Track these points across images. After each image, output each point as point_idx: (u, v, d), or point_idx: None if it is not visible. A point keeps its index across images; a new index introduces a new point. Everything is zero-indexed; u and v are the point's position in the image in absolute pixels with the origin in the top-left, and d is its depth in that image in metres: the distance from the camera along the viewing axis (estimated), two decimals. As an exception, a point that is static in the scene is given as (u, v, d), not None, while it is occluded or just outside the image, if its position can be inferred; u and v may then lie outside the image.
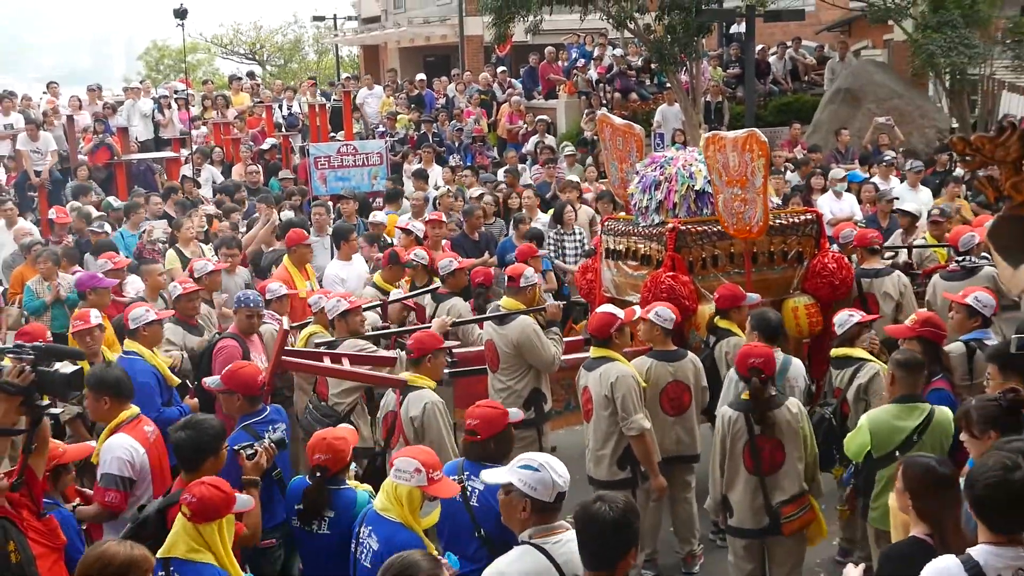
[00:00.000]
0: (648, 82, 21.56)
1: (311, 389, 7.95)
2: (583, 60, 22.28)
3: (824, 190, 13.93)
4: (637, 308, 7.58)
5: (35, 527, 4.68)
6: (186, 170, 17.61)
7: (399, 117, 21.16)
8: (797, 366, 7.26)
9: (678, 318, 7.40)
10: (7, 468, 4.83)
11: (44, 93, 22.36)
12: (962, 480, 4.16)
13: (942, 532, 4.23)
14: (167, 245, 11.58)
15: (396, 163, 17.90)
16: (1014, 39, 18.66)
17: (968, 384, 6.88)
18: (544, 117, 20.11)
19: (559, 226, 12.22)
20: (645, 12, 19.16)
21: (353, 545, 4.95)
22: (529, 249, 10.07)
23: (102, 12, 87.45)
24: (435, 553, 4.36)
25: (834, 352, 7.27)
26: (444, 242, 11.19)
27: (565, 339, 8.37)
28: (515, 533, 4.32)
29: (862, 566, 4.23)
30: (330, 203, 13.71)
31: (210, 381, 6.51)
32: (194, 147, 18.94)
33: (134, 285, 9.71)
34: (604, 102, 20.42)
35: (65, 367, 4.53)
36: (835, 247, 9.40)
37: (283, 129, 20.83)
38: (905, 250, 10.39)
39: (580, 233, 12.20)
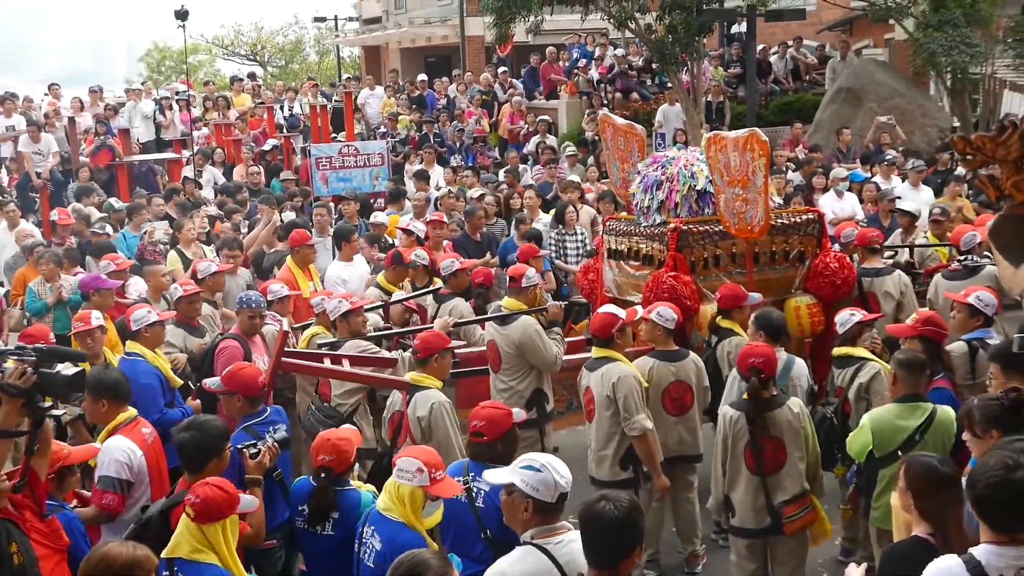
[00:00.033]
0: (649, 82, 21.57)
1: (313, 390, 7.95)
2: (584, 60, 22.28)
3: (826, 189, 13.93)
4: (639, 308, 7.58)
5: (38, 528, 4.68)
6: (187, 171, 17.63)
7: (400, 118, 21.16)
8: (800, 366, 7.26)
9: (680, 318, 7.39)
10: (9, 470, 4.83)
11: (45, 95, 22.38)
12: (964, 479, 4.16)
13: (944, 531, 4.23)
14: (168, 246, 11.59)
15: (397, 164, 17.91)
16: (1015, 38, 18.65)
17: (971, 383, 6.88)
18: (545, 117, 20.12)
19: (561, 226, 12.21)
20: (646, 12, 19.18)
21: (356, 545, 4.95)
22: (531, 249, 10.07)
23: (103, 14, 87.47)
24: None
25: (835, 351, 7.27)
26: (445, 243, 11.19)
27: (567, 339, 8.37)
28: (517, 534, 4.32)
29: (864, 565, 4.23)
30: (331, 204, 13.72)
31: (210, 382, 6.51)
32: (195, 148, 18.95)
33: (137, 287, 9.71)
34: (605, 102, 20.42)
35: (67, 369, 4.53)
36: (836, 246, 9.39)
37: (284, 130, 20.84)
38: (907, 249, 10.38)
39: (582, 233, 12.20)
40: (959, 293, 7.44)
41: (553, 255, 11.94)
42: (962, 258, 9.00)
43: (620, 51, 22.16)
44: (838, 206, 13.31)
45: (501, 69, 23.25)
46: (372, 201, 14.82)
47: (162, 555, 4.52)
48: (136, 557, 4.09)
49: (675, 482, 7.24)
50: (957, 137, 6.88)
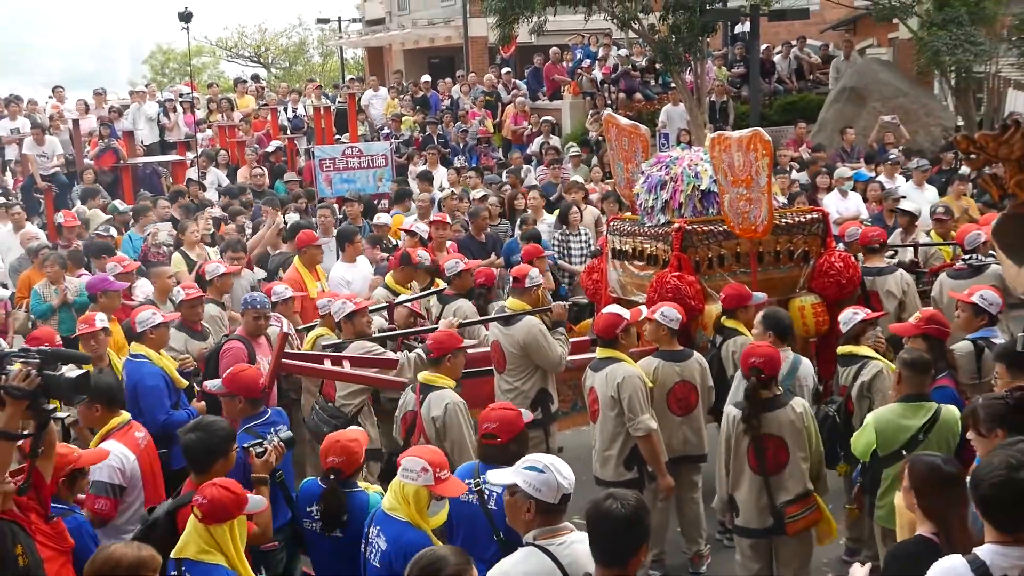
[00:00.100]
0: (653, 82, 21.58)
1: (317, 391, 7.96)
2: (587, 61, 22.30)
3: (830, 189, 13.91)
4: (643, 308, 7.58)
5: (43, 530, 4.69)
6: (191, 173, 17.67)
7: (404, 119, 21.18)
8: (807, 366, 7.28)
9: (684, 318, 7.39)
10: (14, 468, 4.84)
11: (50, 97, 22.42)
12: (968, 479, 4.15)
13: (948, 531, 4.22)
14: (172, 248, 11.61)
15: (401, 165, 17.92)
16: (1020, 36, 18.59)
17: (976, 383, 6.87)
18: (549, 118, 20.13)
19: (564, 227, 12.22)
20: (649, 12, 19.18)
21: (363, 545, 4.96)
22: (535, 250, 10.06)
23: (107, 16, 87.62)
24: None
25: (839, 350, 7.28)
26: (449, 243, 11.19)
27: (571, 340, 8.37)
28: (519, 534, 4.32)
29: (868, 565, 4.22)
30: (335, 205, 13.73)
31: (211, 384, 6.52)
32: (199, 150, 19.00)
33: (143, 289, 9.73)
34: (609, 102, 20.44)
35: (71, 371, 4.54)
36: (841, 246, 9.38)
37: (288, 131, 20.87)
38: (911, 248, 10.37)
39: (585, 234, 12.20)
40: (963, 292, 7.43)
41: (557, 255, 11.94)
42: (967, 257, 8.99)
43: (623, 51, 22.18)
44: (842, 206, 13.29)
45: (505, 70, 23.26)
46: (376, 202, 14.83)
47: (171, 555, 4.55)
48: (141, 558, 4.12)
49: (679, 482, 7.23)
50: (960, 136, 6.86)
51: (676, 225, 8.23)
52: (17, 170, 18.54)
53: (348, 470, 5.27)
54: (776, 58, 21.61)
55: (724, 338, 7.77)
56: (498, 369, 8.02)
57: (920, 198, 12.82)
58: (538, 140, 19.10)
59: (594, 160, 17.45)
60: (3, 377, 4.33)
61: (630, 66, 21.28)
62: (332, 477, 5.24)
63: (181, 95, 22.57)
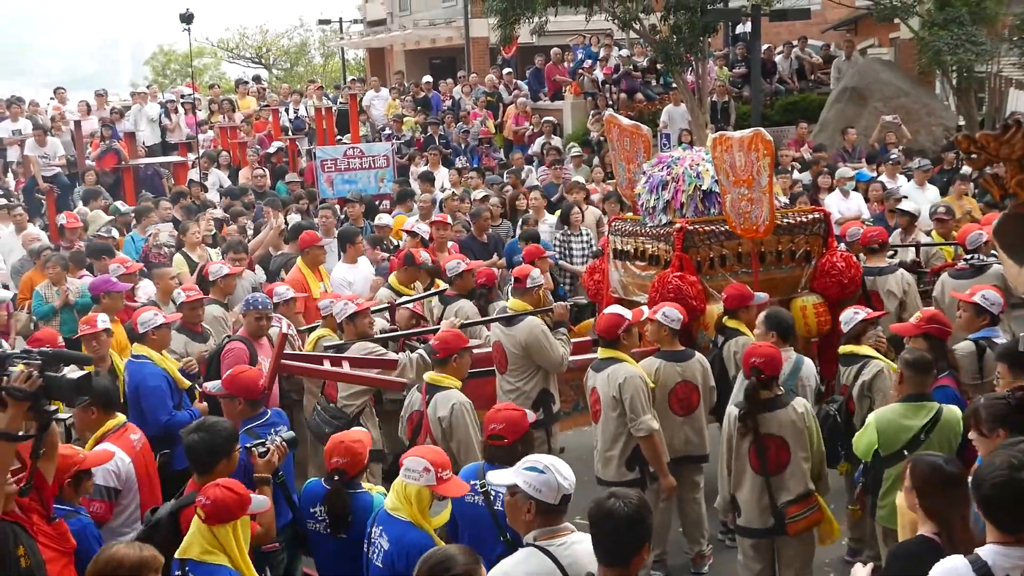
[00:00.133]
0: (654, 82, 21.59)
1: (319, 392, 7.96)
2: (589, 61, 22.31)
3: (831, 189, 13.91)
4: (645, 309, 7.58)
5: (45, 531, 4.69)
6: (193, 174, 17.67)
7: (405, 119, 21.19)
8: (809, 366, 7.29)
9: (685, 318, 7.39)
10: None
11: (51, 99, 22.45)
12: (970, 479, 4.15)
13: (949, 531, 4.21)
14: (173, 249, 11.61)
15: (403, 166, 17.93)
16: (1021, 36, 18.59)
17: (979, 383, 6.87)
18: (550, 118, 20.13)
19: (566, 227, 12.21)
20: (650, 12, 19.16)
21: (366, 545, 4.96)
22: (536, 250, 10.06)
23: (109, 17, 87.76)
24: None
25: (840, 349, 7.29)
26: (450, 244, 11.19)
27: (573, 340, 8.37)
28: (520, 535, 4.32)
29: (870, 565, 4.21)
30: (336, 206, 13.73)
31: (211, 386, 6.51)
32: (201, 151, 19.00)
33: (146, 290, 9.74)
34: (610, 103, 20.43)
35: (72, 372, 4.54)
36: (842, 246, 9.38)
37: (290, 132, 20.88)
38: (912, 248, 10.37)
39: (587, 234, 12.20)
40: (965, 292, 7.43)
41: (558, 256, 11.94)
42: (968, 257, 8.99)
43: (625, 52, 22.18)
44: (844, 206, 13.29)
45: (506, 70, 23.27)
46: (377, 203, 14.83)
47: (176, 555, 4.57)
48: (143, 558, 4.13)
49: (681, 482, 7.23)
50: (961, 136, 6.84)
51: (678, 225, 8.23)
52: (19, 171, 18.56)
53: (353, 471, 5.26)
54: (777, 58, 21.61)
55: (726, 338, 7.76)
56: (500, 369, 8.02)
57: (922, 198, 12.82)
58: (539, 140, 19.10)
59: (595, 160, 17.45)
60: (5, 378, 4.33)
61: (631, 66, 21.28)
62: (337, 478, 5.23)
63: (183, 96, 22.60)
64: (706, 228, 8.24)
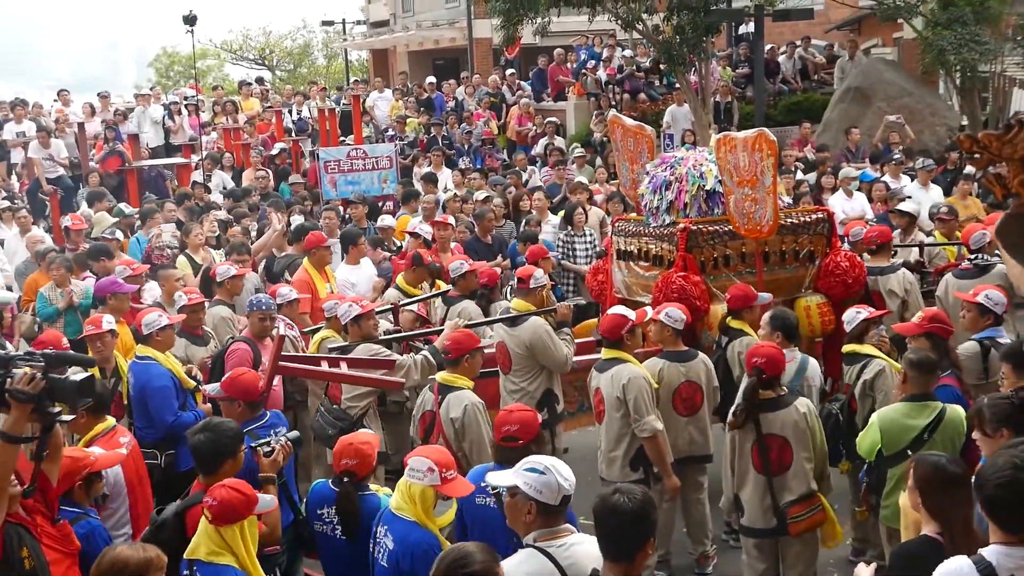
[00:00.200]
0: (657, 83, 21.56)
1: (323, 393, 7.96)
2: (592, 61, 22.29)
3: (835, 189, 13.90)
4: (648, 309, 7.57)
5: (49, 533, 4.70)
6: (196, 176, 17.68)
7: (408, 120, 21.19)
8: (814, 366, 7.31)
9: (689, 319, 7.39)
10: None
11: (55, 100, 22.45)
12: (974, 479, 4.15)
13: (952, 531, 4.21)
14: (177, 250, 11.62)
15: (406, 167, 17.94)
16: (1025, 35, 18.60)
17: (983, 383, 6.87)
18: (553, 119, 20.14)
19: (569, 228, 12.22)
20: (653, 13, 19.16)
21: (371, 545, 4.96)
22: (539, 250, 10.06)
23: (112, 19, 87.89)
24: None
25: (843, 349, 7.29)
26: (454, 245, 11.19)
27: (577, 340, 8.37)
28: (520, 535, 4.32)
29: (873, 565, 4.22)
30: (340, 207, 13.73)
31: (210, 388, 6.51)
32: (204, 153, 19.01)
33: (152, 292, 9.74)
34: (613, 103, 20.42)
35: (76, 374, 4.55)
36: (846, 245, 9.37)
37: (293, 134, 20.89)
38: (916, 248, 10.36)
39: (590, 235, 12.20)
40: (969, 292, 7.43)
41: (561, 257, 11.94)
42: (972, 257, 8.98)
43: (628, 52, 22.17)
44: (848, 206, 13.28)
45: (509, 71, 23.28)
46: (380, 204, 14.83)
47: (184, 555, 4.58)
48: (148, 558, 4.15)
49: (685, 483, 7.23)
50: (964, 135, 6.86)
51: (681, 225, 8.22)
52: (23, 173, 18.57)
53: (362, 473, 5.25)
54: (780, 58, 21.59)
55: (730, 339, 7.76)
56: (504, 370, 8.02)
57: (925, 198, 12.80)
58: (542, 141, 19.10)
59: (598, 161, 17.44)
60: (8, 380, 4.34)
61: (634, 67, 21.27)
62: (346, 480, 5.22)
63: (186, 98, 22.58)
64: (710, 228, 8.23)
